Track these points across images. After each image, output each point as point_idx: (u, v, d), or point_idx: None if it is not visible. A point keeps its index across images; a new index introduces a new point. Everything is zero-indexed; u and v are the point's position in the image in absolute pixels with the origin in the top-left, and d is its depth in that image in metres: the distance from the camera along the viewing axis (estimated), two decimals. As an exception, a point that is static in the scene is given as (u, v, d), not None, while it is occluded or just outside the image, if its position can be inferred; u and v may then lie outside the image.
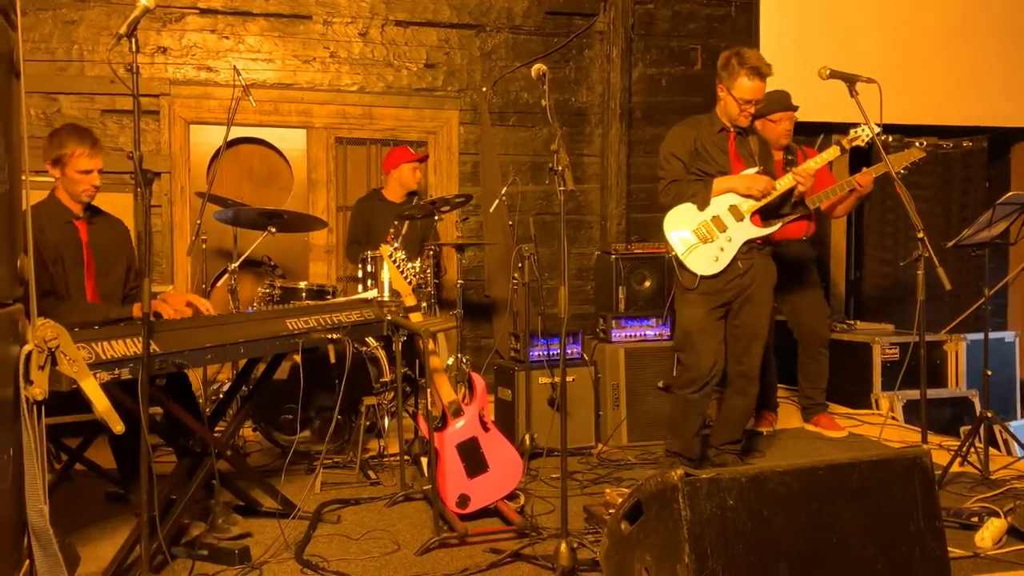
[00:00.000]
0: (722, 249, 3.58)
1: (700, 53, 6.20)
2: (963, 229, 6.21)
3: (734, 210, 3.60)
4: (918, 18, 6.10)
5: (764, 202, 3.58)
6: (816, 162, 3.65)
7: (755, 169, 3.65)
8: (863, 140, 3.68)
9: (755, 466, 1.95)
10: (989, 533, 2.94)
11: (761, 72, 3.54)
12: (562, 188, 2.86)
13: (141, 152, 2.50)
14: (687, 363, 3.73)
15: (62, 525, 2.17)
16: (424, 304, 4.20)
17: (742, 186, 3.60)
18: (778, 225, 3.69)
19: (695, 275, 3.60)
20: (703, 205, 3.60)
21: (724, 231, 3.59)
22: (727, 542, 1.82)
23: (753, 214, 3.61)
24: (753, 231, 3.61)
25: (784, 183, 3.60)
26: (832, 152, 3.68)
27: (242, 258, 4.53)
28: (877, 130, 3.64)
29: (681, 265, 3.62)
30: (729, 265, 3.59)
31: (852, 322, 5.75)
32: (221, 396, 4.40)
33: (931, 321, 5.79)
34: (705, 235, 3.59)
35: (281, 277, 4.67)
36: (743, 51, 3.60)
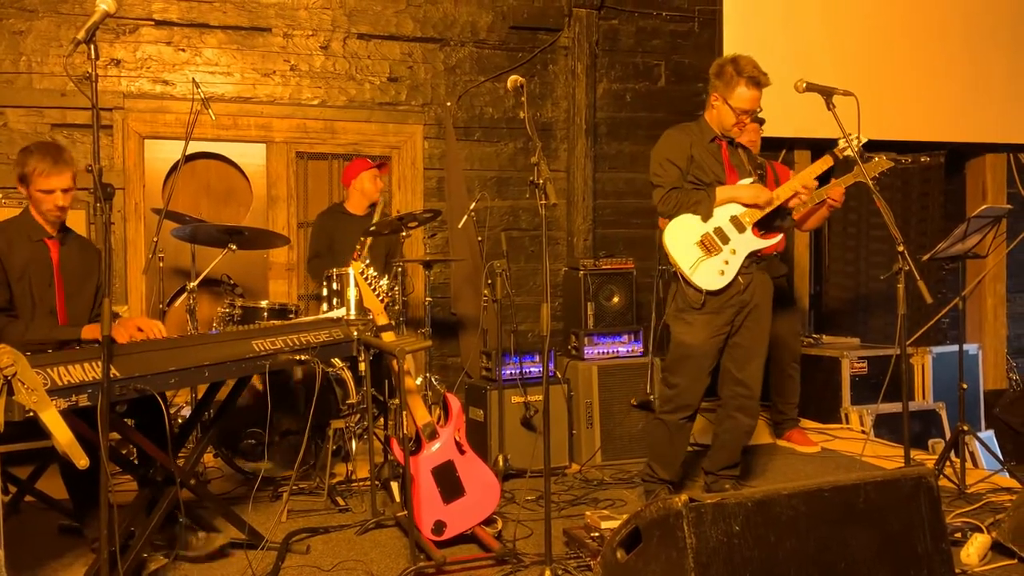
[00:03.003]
0: (727, 262, 3.41)
1: (664, 69, 6.20)
2: (922, 242, 6.36)
3: (735, 221, 3.45)
4: (877, 35, 6.18)
5: (766, 212, 3.46)
6: (811, 172, 3.55)
7: (751, 179, 3.53)
8: (853, 150, 3.55)
9: (760, 489, 1.87)
10: (975, 549, 2.91)
11: (760, 82, 3.39)
12: (543, 202, 2.74)
13: (101, 165, 2.36)
14: (681, 387, 3.52)
15: (13, 562, 2.01)
16: (393, 322, 4.08)
17: (748, 196, 3.45)
18: (779, 237, 3.56)
19: (701, 292, 3.41)
20: (707, 216, 3.42)
21: (727, 243, 3.42)
22: (734, 570, 1.74)
23: (753, 226, 3.47)
24: (756, 243, 3.47)
25: (784, 192, 3.47)
26: (825, 162, 3.57)
27: (201, 277, 4.37)
28: (864, 139, 3.53)
29: (686, 281, 3.42)
30: (732, 281, 3.43)
31: (818, 336, 5.76)
32: (180, 420, 4.23)
33: (891, 335, 5.85)
34: (709, 247, 3.41)
35: (240, 296, 4.52)
36: (739, 58, 3.43)
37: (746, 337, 3.52)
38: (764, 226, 3.51)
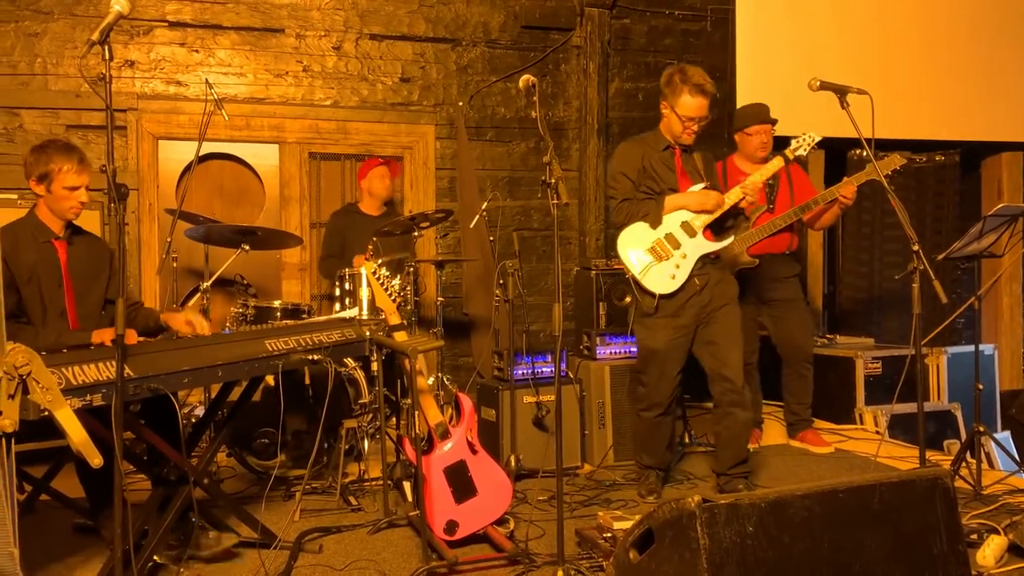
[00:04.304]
0: (677, 266, 3.56)
1: (676, 68, 6.18)
2: (936, 242, 6.31)
3: (686, 226, 3.59)
4: (891, 33, 6.14)
5: (715, 216, 3.58)
6: (761, 175, 3.66)
7: (702, 185, 3.65)
8: (805, 148, 3.68)
9: (774, 490, 1.86)
10: (991, 551, 2.88)
11: (705, 89, 3.50)
12: (555, 201, 2.74)
13: (115, 166, 2.37)
14: (649, 386, 3.71)
15: (28, 561, 2.03)
16: (405, 322, 4.08)
17: (694, 203, 3.58)
18: (731, 238, 3.70)
19: (654, 296, 3.57)
20: (655, 223, 3.58)
21: (678, 248, 3.57)
22: (747, 571, 1.73)
23: (705, 229, 3.60)
24: (707, 246, 3.60)
25: (733, 196, 3.60)
26: (776, 163, 3.68)
27: (214, 277, 4.38)
28: (817, 138, 3.65)
29: (639, 286, 3.59)
30: (686, 283, 3.57)
31: (832, 336, 5.73)
32: (193, 420, 4.25)
33: (905, 335, 5.81)
34: (660, 253, 3.56)
35: (254, 296, 4.53)
36: (686, 68, 3.57)
37: (717, 333, 3.62)
38: (717, 228, 3.63)
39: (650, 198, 3.62)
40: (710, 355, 3.63)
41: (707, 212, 3.57)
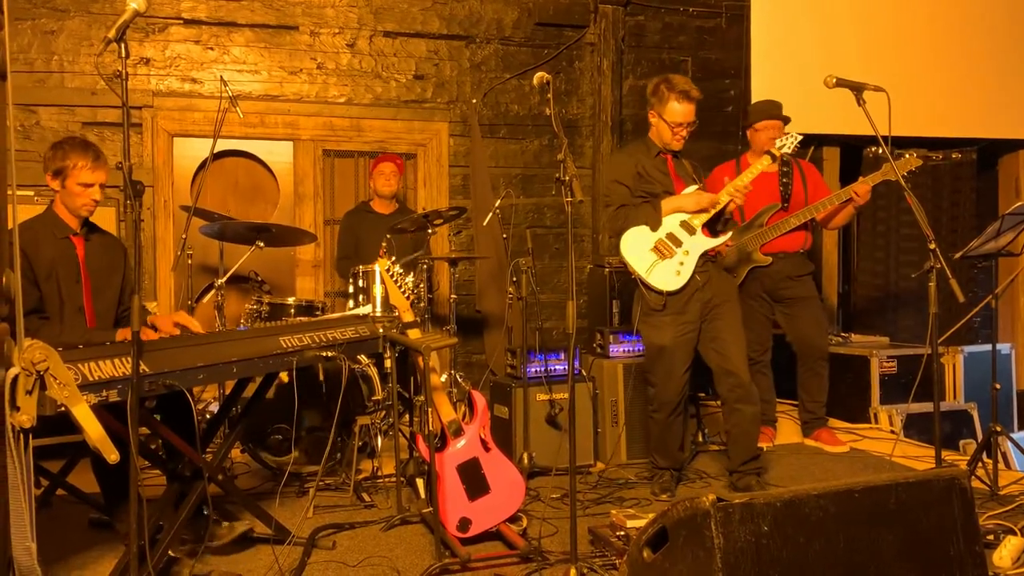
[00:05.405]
0: (682, 263, 3.66)
1: (690, 65, 6.16)
2: (953, 240, 6.26)
3: (685, 225, 3.70)
4: (908, 30, 6.09)
5: (712, 214, 3.68)
6: (749, 174, 3.71)
7: (696, 187, 3.76)
8: (791, 147, 3.74)
9: (789, 489, 1.85)
10: (1008, 552, 2.87)
11: (690, 95, 3.64)
12: (569, 199, 2.74)
13: (131, 163, 2.38)
14: (657, 386, 3.77)
15: (44, 555, 2.04)
16: (418, 319, 4.09)
17: (691, 203, 3.68)
18: (729, 235, 3.84)
19: (661, 293, 3.65)
20: (655, 225, 3.68)
21: (680, 246, 3.67)
22: (762, 570, 1.72)
23: (702, 227, 3.70)
24: (707, 243, 3.70)
25: (725, 196, 3.68)
26: (764, 161, 3.73)
27: (229, 273, 4.40)
28: (800, 136, 3.72)
29: (645, 284, 3.66)
30: (690, 279, 3.65)
31: (847, 335, 5.70)
32: (208, 416, 4.27)
33: (921, 334, 5.77)
34: (663, 252, 3.66)
35: (268, 293, 4.55)
36: (671, 77, 3.71)
37: (720, 329, 3.70)
38: (710, 229, 3.74)
39: (648, 201, 3.72)
40: (715, 352, 3.70)
41: (703, 211, 3.68)
